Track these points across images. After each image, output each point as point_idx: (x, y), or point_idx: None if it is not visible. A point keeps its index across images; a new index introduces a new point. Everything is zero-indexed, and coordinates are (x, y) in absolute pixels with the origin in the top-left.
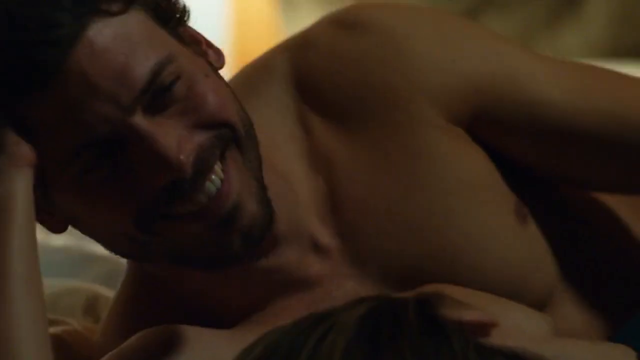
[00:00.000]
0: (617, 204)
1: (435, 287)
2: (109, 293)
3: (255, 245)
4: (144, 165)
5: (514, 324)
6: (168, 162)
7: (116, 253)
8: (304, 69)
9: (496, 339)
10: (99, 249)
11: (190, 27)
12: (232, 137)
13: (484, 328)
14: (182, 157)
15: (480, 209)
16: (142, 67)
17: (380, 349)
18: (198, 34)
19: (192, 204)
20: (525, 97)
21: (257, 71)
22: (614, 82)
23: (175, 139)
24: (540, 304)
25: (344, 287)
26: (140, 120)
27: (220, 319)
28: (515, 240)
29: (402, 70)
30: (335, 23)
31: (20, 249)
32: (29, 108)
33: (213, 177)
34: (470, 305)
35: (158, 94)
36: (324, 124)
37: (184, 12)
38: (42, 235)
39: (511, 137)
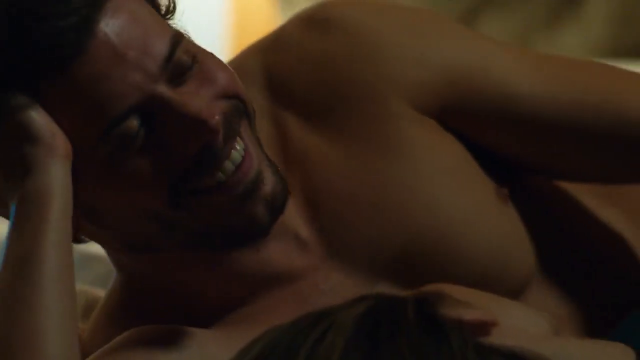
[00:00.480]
0: (595, 195)
1: (435, 286)
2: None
3: (278, 214)
4: (175, 134)
5: (513, 323)
6: (202, 123)
7: (131, 246)
8: (275, 69)
9: (495, 338)
10: (98, 249)
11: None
12: (244, 110)
13: (484, 327)
14: (216, 117)
15: (460, 192)
16: (161, 39)
17: (378, 348)
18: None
19: (222, 174)
20: (497, 90)
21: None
22: (592, 73)
23: (203, 102)
24: (520, 287)
25: (330, 279)
26: (167, 89)
27: (207, 315)
28: (497, 219)
29: (371, 64)
30: (306, 22)
31: (56, 242)
32: (55, 95)
33: (237, 146)
34: (470, 304)
35: (177, 68)
36: (298, 122)
37: (173, 8)
38: None
39: (484, 128)
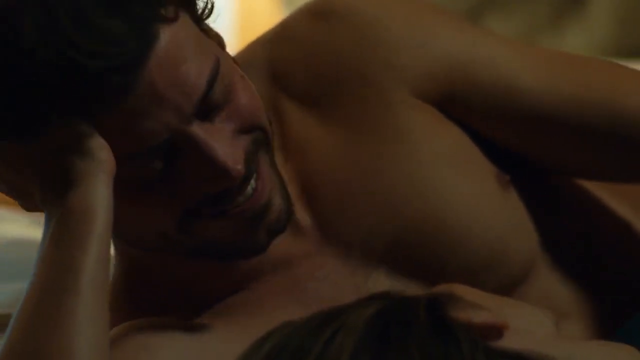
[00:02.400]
0: (599, 186)
1: (446, 287)
2: None
3: (278, 235)
4: (196, 171)
5: (521, 324)
6: (227, 172)
7: (137, 247)
8: (279, 59)
9: (505, 340)
10: None
11: (207, 24)
12: (264, 139)
13: (494, 330)
14: (239, 167)
15: (459, 177)
16: (200, 75)
17: (388, 349)
18: (212, 29)
19: (233, 206)
20: (498, 81)
21: (239, 63)
22: (594, 70)
23: (229, 148)
24: (522, 274)
25: (326, 266)
26: (197, 128)
27: (203, 302)
28: (498, 205)
29: (373, 53)
30: (310, 13)
31: (98, 256)
32: (95, 120)
33: (252, 182)
34: (480, 306)
35: (210, 106)
36: (298, 110)
37: (210, 9)
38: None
39: (484, 120)
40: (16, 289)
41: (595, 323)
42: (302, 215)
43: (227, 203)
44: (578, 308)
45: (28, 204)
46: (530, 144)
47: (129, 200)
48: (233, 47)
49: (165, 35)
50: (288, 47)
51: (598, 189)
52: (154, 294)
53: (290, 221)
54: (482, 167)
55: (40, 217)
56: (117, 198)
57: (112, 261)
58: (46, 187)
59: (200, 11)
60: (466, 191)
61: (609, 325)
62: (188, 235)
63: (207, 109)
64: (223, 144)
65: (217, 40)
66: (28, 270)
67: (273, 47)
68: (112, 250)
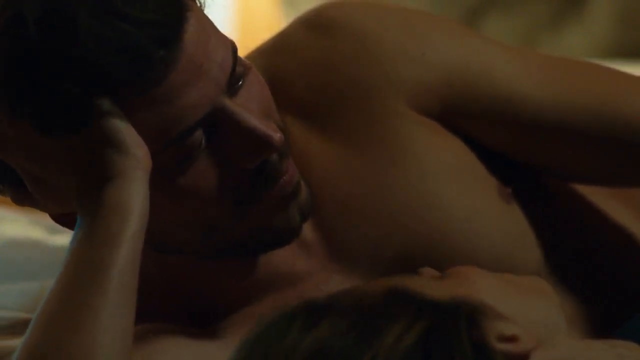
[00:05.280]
0: (605, 193)
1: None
2: None
3: (306, 219)
4: (236, 146)
5: (536, 317)
6: (267, 139)
7: (158, 246)
8: (277, 71)
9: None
10: None
11: None
12: (283, 129)
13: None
14: (279, 134)
15: (462, 190)
16: (226, 49)
17: None
18: None
19: (274, 184)
20: (498, 91)
21: None
22: (593, 77)
23: (264, 120)
24: None
25: (332, 282)
26: (230, 101)
27: (210, 315)
28: (500, 218)
29: (372, 65)
30: (308, 24)
31: (127, 258)
32: (135, 102)
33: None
34: (510, 319)
35: (235, 79)
36: (298, 123)
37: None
38: (43, 235)
39: (484, 129)
40: (16, 289)
41: (596, 328)
42: (307, 230)
43: (276, 181)
44: (580, 315)
45: (57, 203)
46: (532, 150)
47: (167, 192)
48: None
49: (191, 17)
50: (285, 59)
51: (598, 195)
52: (160, 301)
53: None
54: (483, 180)
55: (40, 217)
56: (162, 191)
57: None
58: (82, 182)
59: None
60: (468, 204)
61: (608, 329)
62: (240, 221)
63: (234, 84)
64: (257, 116)
65: None
66: (28, 270)
67: (270, 57)
68: None
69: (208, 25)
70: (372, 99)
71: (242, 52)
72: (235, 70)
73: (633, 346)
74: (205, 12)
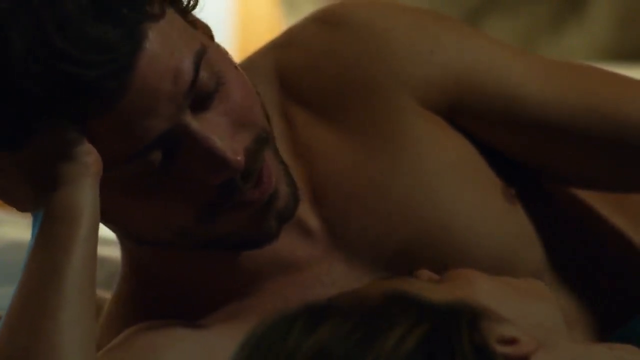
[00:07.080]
0: (606, 201)
1: (459, 272)
2: (109, 296)
3: (287, 221)
4: (197, 164)
5: (535, 319)
6: (226, 162)
7: (138, 239)
8: (286, 65)
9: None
10: (101, 252)
11: (193, 15)
12: (266, 138)
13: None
14: (239, 158)
15: (466, 188)
16: (186, 60)
17: None
18: (200, 20)
19: (240, 197)
20: (504, 91)
21: (245, 69)
22: (596, 79)
23: (228, 140)
24: None
25: (333, 271)
26: (193, 120)
27: (210, 305)
28: (503, 218)
29: (381, 61)
30: (317, 21)
31: (84, 257)
32: (90, 124)
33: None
34: (512, 322)
35: (201, 93)
36: (306, 115)
37: (195, 1)
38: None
39: (489, 128)
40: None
41: (595, 328)
42: (311, 219)
43: (235, 193)
44: (580, 316)
45: (21, 208)
46: (536, 152)
47: (144, 197)
48: (234, 50)
49: (153, 32)
50: (295, 54)
51: (600, 201)
52: (161, 294)
53: (298, 206)
54: (487, 179)
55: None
56: (130, 196)
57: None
58: (35, 192)
59: (185, 3)
60: (470, 201)
61: (608, 330)
62: (210, 226)
63: (199, 98)
64: (221, 135)
65: (205, 31)
66: None
67: (280, 52)
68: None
69: (173, 37)
70: (380, 94)
71: (241, 54)
72: (198, 83)
73: (632, 349)
74: (205, 14)
